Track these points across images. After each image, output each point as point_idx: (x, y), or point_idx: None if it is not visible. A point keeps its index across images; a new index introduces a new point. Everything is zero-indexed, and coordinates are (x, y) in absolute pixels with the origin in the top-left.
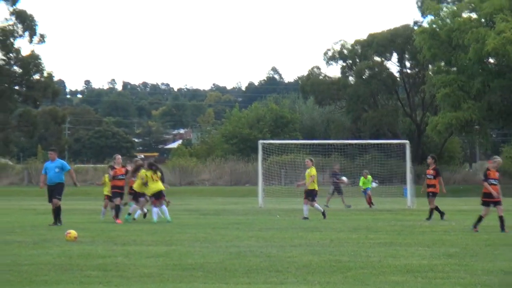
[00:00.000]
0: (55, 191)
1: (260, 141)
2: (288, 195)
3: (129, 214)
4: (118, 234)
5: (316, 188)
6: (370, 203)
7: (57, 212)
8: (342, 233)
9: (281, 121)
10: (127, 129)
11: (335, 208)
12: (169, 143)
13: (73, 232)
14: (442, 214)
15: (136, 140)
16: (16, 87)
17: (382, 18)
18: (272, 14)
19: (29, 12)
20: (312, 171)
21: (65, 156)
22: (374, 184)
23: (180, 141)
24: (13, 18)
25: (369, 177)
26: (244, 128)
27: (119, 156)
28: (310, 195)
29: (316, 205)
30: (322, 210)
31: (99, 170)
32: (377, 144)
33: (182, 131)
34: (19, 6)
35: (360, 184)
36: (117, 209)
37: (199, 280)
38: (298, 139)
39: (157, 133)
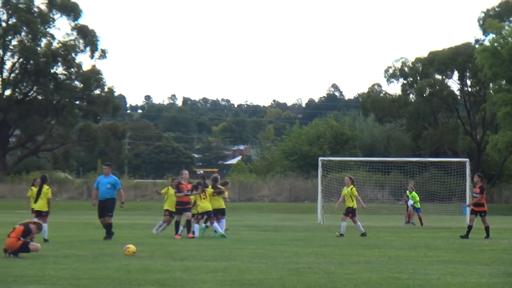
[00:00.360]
0: (105, 207)
1: (320, 158)
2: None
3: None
4: (176, 249)
5: (355, 206)
6: (409, 218)
7: (108, 227)
8: (401, 250)
9: (341, 138)
10: (186, 145)
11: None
12: (228, 159)
13: (132, 247)
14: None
15: (196, 156)
16: (77, 102)
17: (444, 36)
18: (333, 31)
19: (90, 27)
20: (353, 190)
21: (124, 171)
22: (410, 202)
23: (239, 157)
24: (75, 33)
25: (414, 193)
26: (304, 145)
27: (187, 172)
28: (350, 212)
29: (357, 223)
30: (363, 231)
31: (158, 185)
32: (437, 162)
33: (242, 147)
34: (81, 21)
35: (411, 198)
36: (189, 224)
37: None
38: (358, 156)
39: (217, 148)
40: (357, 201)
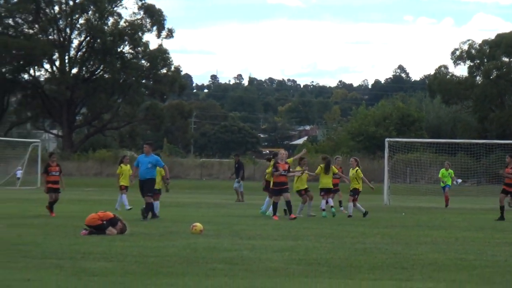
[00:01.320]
0: (145, 187)
1: (387, 139)
2: (414, 193)
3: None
4: (243, 228)
5: (361, 188)
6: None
7: (149, 208)
8: (467, 231)
9: (407, 119)
10: (252, 125)
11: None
12: (294, 140)
13: (199, 225)
14: (502, 216)
15: (262, 136)
16: (144, 81)
17: (511, 19)
18: (400, 14)
19: (157, 6)
20: (359, 172)
21: (190, 150)
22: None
23: (305, 138)
24: (142, 12)
25: (451, 171)
26: (370, 126)
27: (284, 151)
28: (355, 193)
29: (357, 205)
30: (364, 211)
31: (224, 165)
32: (504, 144)
33: (308, 127)
34: (148, 0)
35: (440, 175)
36: (289, 205)
37: (324, 275)
38: (424, 137)
39: (283, 129)
40: (364, 182)
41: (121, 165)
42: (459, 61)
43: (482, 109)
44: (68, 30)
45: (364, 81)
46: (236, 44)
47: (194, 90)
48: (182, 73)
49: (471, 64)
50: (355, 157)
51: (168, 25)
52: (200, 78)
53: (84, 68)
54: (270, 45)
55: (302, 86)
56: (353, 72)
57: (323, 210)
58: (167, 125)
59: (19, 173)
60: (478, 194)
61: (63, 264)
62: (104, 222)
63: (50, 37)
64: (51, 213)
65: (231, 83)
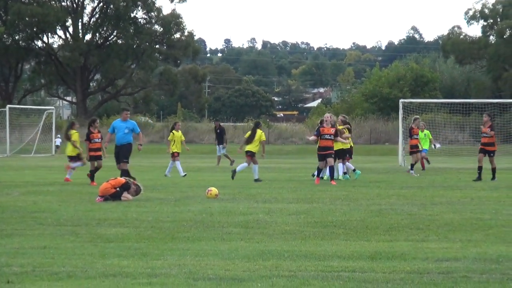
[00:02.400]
0: (121, 153)
1: (401, 100)
2: (429, 154)
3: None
4: (258, 192)
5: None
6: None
7: (125, 175)
8: (482, 191)
9: (421, 80)
10: (266, 88)
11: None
12: (308, 102)
13: (214, 190)
14: (493, 176)
15: (276, 99)
16: (157, 46)
17: None
18: None
19: None
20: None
21: (204, 115)
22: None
23: (319, 100)
24: None
25: (427, 132)
26: (384, 87)
27: (328, 115)
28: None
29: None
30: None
31: (238, 129)
32: None
33: (321, 90)
34: None
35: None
36: (332, 170)
37: (340, 237)
38: (438, 98)
39: (297, 92)
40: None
41: (173, 131)
42: (473, 21)
43: (495, 68)
44: None
45: (377, 42)
46: (249, 7)
47: (208, 55)
48: (196, 37)
49: (485, 23)
50: (343, 115)
51: None
52: (214, 42)
53: (97, 34)
54: (283, 8)
55: (315, 49)
56: (366, 34)
57: (344, 173)
58: (181, 90)
59: (59, 141)
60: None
61: (79, 230)
62: (118, 188)
63: (63, 3)
64: (91, 182)
65: (244, 47)
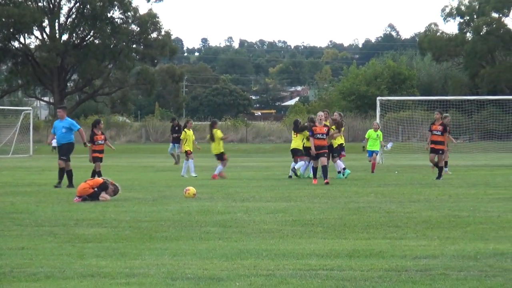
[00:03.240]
0: (60, 152)
1: (378, 98)
2: (406, 151)
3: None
4: (236, 191)
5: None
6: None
7: (62, 173)
8: (460, 188)
9: (398, 77)
10: (244, 87)
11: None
12: (286, 100)
13: (192, 189)
14: (440, 175)
15: (253, 98)
16: (134, 46)
17: None
18: None
19: None
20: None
21: (182, 114)
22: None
23: (297, 98)
24: None
25: (380, 132)
26: (362, 85)
27: (321, 113)
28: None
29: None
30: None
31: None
32: (495, 100)
33: (299, 88)
34: None
35: (366, 136)
36: (325, 170)
37: (318, 236)
38: (415, 95)
39: (274, 90)
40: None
41: (185, 130)
42: (449, 18)
43: (472, 65)
44: None
45: (354, 40)
46: (226, 6)
47: (185, 54)
48: (173, 37)
49: (461, 20)
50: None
51: None
52: (191, 41)
53: (74, 34)
54: (260, 7)
55: (293, 47)
56: (343, 32)
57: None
58: (159, 89)
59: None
60: (470, 150)
61: (57, 231)
62: (96, 189)
63: (39, 4)
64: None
65: (221, 45)
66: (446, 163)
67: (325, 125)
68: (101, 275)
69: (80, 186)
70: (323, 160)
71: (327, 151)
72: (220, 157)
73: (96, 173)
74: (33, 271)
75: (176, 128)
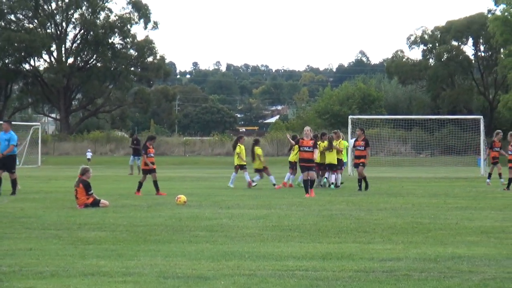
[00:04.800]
0: (6, 164)
1: (350, 116)
2: (375, 164)
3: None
4: (223, 199)
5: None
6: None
7: (13, 183)
8: (422, 198)
9: (368, 98)
10: (230, 106)
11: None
12: (267, 118)
13: (182, 197)
14: (366, 185)
15: (238, 116)
16: (132, 68)
17: (459, 7)
18: (360, 2)
19: (144, 1)
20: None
21: (175, 130)
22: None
23: (277, 117)
24: (130, 7)
25: (344, 142)
26: (335, 105)
27: (308, 128)
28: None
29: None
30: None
31: (205, 142)
32: (454, 119)
33: (279, 107)
34: None
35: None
36: (311, 182)
37: (295, 240)
38: (383, 114)
39: (257, 109)
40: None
41: (239, 144)
42: (414, 45)
43: (434, 88)
44: (64, 24)
45: (329, 64)
46: (214, 33)
47: (178, 76)
48: (167, 60)
49: (425, 48)
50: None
51: (153, 17)
52: (183, 65)
53: (79, 58)
54: (245, 34)
55: (274, 71)
56: (319, 57)
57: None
58: (154, 107)
59: (89, 155)
60: (432, 164)
61: (62, 234)
62: (88, 193)
63: (48, 30)
64: (158, 193)
65: (210, 69)
66: (489, 174)
67: (312, 139)
68: (100, 274)
69: (79, 202)
70: (311, 175)
71: (314, 165)
72: (262, 170)
73: (140, 184)
74: (40, 270)
75: (135, 142)
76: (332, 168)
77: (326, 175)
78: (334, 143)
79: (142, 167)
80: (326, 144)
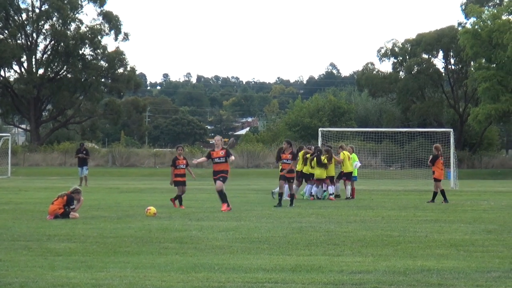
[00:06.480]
0: None
1: (320, 129)
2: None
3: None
4: (192, 211)
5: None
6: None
7: None
8: (392, 211)
9: (338, 111)
10: (200, 118)
11: (391, 189)
12: (238, 130)
13: (152, 209)
14: (280, 201)
15: (209, 127)
16: (103, 80)
17: (430, 20)
18: (331, 14)
19: (114, 13)
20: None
21: (145, 141)
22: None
23: (248, 129)
24: (101, 18)
25: (354, 156)
26: (306, 117)
27: (218, 138)
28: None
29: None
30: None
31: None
32: (424, 132)
33: (250, 119)
34: (106, 7)
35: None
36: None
37: (265, 252)
38: (353, 127)
39: (228, 121)
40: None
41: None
42: (384, 58)
43: (404, 101)
44: (34, 35)
45: (299, 77)
46: (185, 45)
47: (148, 88)
48: (137, 72)
49: (395, 60)
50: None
51: (124, 29)
52: (153, 76)
53: (49, 69)
54: (215, 45)
55: (244, 83)
56: (290, 69)
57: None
58: (124, 119)
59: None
60: (401, 177)
61: (31, 245)
62: (65, 206)
63: (18, 41)
64: (174, 205)
65: (181, 80)
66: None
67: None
68: (70, 285)
69: (50, 208)
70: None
71: (223, 175)
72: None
73: (178, 197)
74: (9, 281)
75: (84, 152)
76: (332, 180)
77: (324, 187)
78: (343, 155)
79: (173, 179)
80: (325, 157)
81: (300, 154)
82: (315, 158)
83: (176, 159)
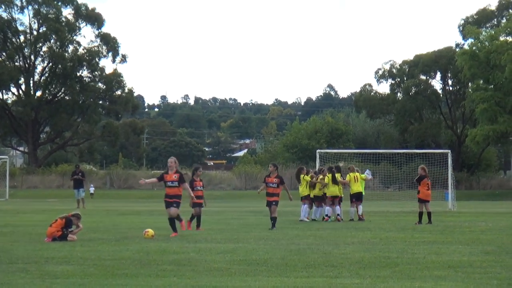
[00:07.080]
0: None
1: (318, 150)
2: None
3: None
4: (190, 233)
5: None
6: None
7: None
8: (390, 232)
9: (336, 132)
10: (198, 139)
11: (385, 211)
12: (236, 152)
13: (150, 231)
14: (273, 224)
15: (207, 149)
16: (100, 102)
17: (427, 41)
18: (329, 36)
19: (112, 35)
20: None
21: (143, 163)
22: (369, 175)
23: (245, 150)
24: (98, 40)
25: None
26: (303, 139)
27: (172, 159)
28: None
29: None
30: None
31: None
32: (422, 153)
33: (247, 141)
34: (104, 29)
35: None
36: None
37: (263, 274)
38: (351, 148)
39: (225, 143)
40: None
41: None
42: (382, 79)
43: (402, 122)
44: (32, 57)
45: (297, 98)
46: (183, 67)
47: (146, 109)
48: (135, 94)
49: (393, 82)
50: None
51: (122, 51)
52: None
53: (47, 91)
54: (213, 67)
55: (242, 104)
56: (287, 91)
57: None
58: (122, 141)
59: (92, 189)
60: (399, 198)
61: (29, 268)
62: (64, 229)
63: (16, 63)
64: (188, 226)
65: (179, 102)
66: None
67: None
68: None
69: (48, 231)
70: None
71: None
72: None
73: (195, 217)
74: None
75: (80, 174)
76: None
77: (327, 208)
78: (349, 176)
79: (192, 201)
80: (330, 178)
81: (307, 178)
82: (330, 175)
83: (193, 180)
